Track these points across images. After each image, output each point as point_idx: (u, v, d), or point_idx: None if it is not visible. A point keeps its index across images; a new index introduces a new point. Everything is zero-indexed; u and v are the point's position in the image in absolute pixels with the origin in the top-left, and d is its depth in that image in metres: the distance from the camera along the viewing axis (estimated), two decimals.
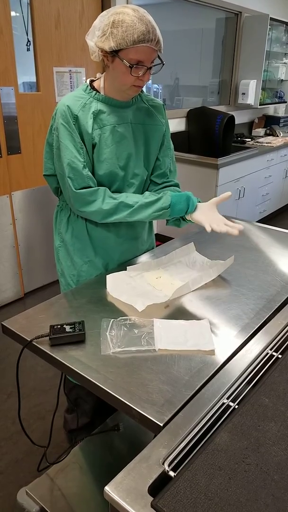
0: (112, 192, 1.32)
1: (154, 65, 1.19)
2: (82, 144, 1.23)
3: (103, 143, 1.25)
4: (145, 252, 1.52)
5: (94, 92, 1.25)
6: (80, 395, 1.54)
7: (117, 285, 1.27)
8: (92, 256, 1.38)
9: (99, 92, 1.25)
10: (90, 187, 1.25)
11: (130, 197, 1.28)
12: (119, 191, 1.33)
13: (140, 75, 1.16)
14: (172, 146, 1.44)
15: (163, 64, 1.19)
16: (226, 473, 0.65)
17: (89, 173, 1.25)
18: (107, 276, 1.30)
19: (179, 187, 1.45)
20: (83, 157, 1.23)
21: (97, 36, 1.13)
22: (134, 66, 1.13)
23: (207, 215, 1.31)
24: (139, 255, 1.49)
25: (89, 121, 1.22)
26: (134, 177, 1.34)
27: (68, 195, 1.27)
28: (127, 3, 2.83)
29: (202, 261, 1.42)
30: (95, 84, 1.27)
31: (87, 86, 1.26)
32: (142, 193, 1.39)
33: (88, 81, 1.28)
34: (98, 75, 1.28)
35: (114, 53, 1.12)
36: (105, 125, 1.24)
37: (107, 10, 1.14)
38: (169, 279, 1.30)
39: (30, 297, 2.88)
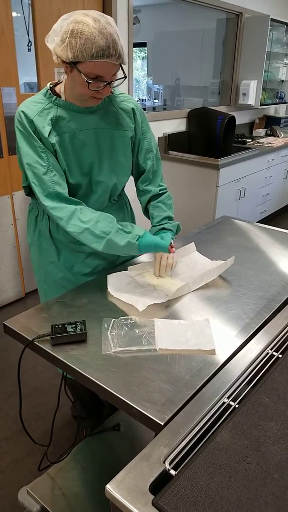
0: (77, 198, 1.26)
1: (116, 79, 1.13)
2: (44, 148, 1.17)
3: (63, 151, 1.20)
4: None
5: (55, 97, 1.18)
6: (76, 386, 1.57)
7: (118, 285, 1.27)
8: (55, 257, 1.35)
9: (60, 97, 1.19)
10: (56, 192, 1.18)
11: (100, 224, 1.19)
12: (83, 197, 1.29)
13: (98, 89, 1.11)
14: (154, 147, 1.38)
15: (125, 77, 1.13)
16: (226, 472, 0.66)
17: (55, 178, 1.18)
18: (108, 276, 1.31)
19: (165, 190, 1.42)
20: (46, 161, 1.17)
21: (56, 42, 1.06)
22: (93, 80, 1.08)
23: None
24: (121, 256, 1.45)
25: (46, 126, 1.16)
26: (98, 184, 1.29)
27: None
28: (127, 4, 2.83)
29: (203, 261, 1.43)
30: (57, 88, 1.21)
31: (47, 91, 1.19)
32: (109, 199, 1.36)
33: (48, 85, 1.22)
34: (62, 77, 1.22)
35: (72, 64, 1.07)
36: (65, 132, 1.19)
37: (68, 14, 1.07)
38: (169, 279, 1.31)
39: (31, 297, 2.88)
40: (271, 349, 0.97)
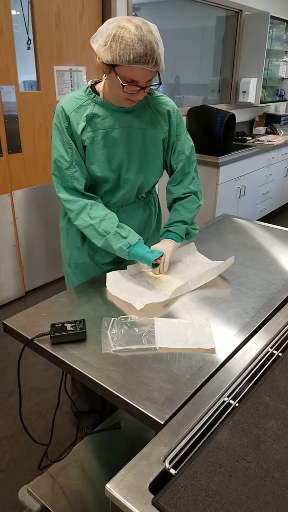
0: (104, 192, 1.34)
1: (150, 85, 1.18)
2: (72, 144, 1.23)
3: (95, 146, 1.25)
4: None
5: (94, 94, 1.25)
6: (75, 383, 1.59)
7: (117, 283, 1.27)
8: (80, 243, 1.41)
9: (99, 95, 1.25)
10: (74, 187, 1.26)
11: (104, 223, 1.25)
12: (111, 191, 1.35)
13: (133, 93, 1.15)
14: (187, 150, 1.39)
15: (160, 84, 1.18)
16: (226, 471, 0.66)
17: (76, 174, 1.26)
18: (107, 273, 1.31)
19: (190, 194, 1.42)
20: (71, 156, 1.24)
21: (99, 44, 1.12)
22: (128, 84, 1.13)
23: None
24: None
25: (81, 123, 1.23)
26: (125, 181, 1.33)
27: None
28: (127, 2, 2.82)
29: (203, 260, 1.42)
30: (97, 86, 1.27)
31: (88, 88, 1.26)
32: (136, 195, 1.40)
33: (90, 82, 1.28)
34: (103, 76, 1.27)
35: (110, 66, 1.12)
36: (99, 128, 1.25)
37: (114, 18, 1.12)
38: (169, 278, 1.30)
39: (31, 296, 2.88)
40: (271, 348, 0.97)
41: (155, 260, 1.23)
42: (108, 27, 1.10)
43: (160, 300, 1.18)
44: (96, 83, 1.29)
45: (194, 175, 1.44)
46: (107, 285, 1.27)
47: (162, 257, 1.28)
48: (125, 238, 1.24)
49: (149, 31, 1.09)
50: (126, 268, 1.33)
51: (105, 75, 1.21)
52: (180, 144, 1.38)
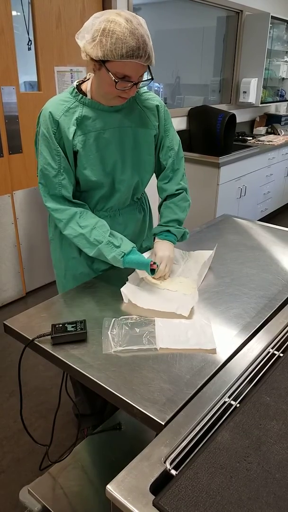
0: (99, 198, 1.30)
1: (142, 81, 1.13)
2: (59, 151, 1.19)
3: (88, 150, 1.21)
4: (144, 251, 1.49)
5: (81, 95, 1.20)
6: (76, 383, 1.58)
7: (137, 295, 1.22)
8: (77, 253, 1.37)
9: (86, 96, 1.20)
10: (62, 195, 1.22)
11: (95, 231, 1.22)
12: (106, 196, 1.32)
13: (125, 89, 1.11)
14: (175, 145, 1.38)
15: (152, 79, 1.15)
16: (227, 472, 0.66)
17: (63, 181, 1.21)
18: (121, 289, 1.22)
19: (182, 191, 1.42)
20: (58, 164, 1.20)
21: (86, 39, 1.06)
22: (120, 80, 1.08)
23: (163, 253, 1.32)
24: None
25: (71, 127, 1.18)
26: (121, 182, 1.30)
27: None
28: (127, 2, 2.82)
29: (190, 254, 1.43)
30: (83, 86, 1.22)
31: (74, 89, 1.21)
32: (131, 197, 1.38)
33: (75, 83, 1.23)
34: (88, 75, 1.24)
35: (100, 62, 1.07)
36: (90, 131, 1.20)
37: (101, 12, 1.07)
38: (176, 278, 1.31)
39: (32, 296, 2.88)
40: (272, 348, 0.97)
41: (151, 266, 1.23)
42: (94, 22, 1.05)
43: (194, 301, 1.17)
44: (81, 83, 1.23)
45: (183, 171, 1.43)
46: (131, 300, 1.19)
47: (165, 266, 1.28)
48: (118, 247, 1.22)
49: (139, 24, 1.05)
50: (123, 272, 1.31)
51: (92, 73, 1.16)
52: (169, 140, 1.36)
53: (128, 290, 1.21)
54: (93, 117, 1.20)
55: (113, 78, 1.08)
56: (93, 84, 1.19)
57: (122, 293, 1.20)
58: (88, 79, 1.23)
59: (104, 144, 1.23)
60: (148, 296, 1.22)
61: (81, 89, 1.22)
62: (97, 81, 1.15)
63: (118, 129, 1.24)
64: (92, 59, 1.08)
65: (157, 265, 1.25)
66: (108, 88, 1.12)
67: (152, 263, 1.23)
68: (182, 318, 1.11)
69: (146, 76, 1.14)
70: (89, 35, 1.06)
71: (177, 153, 1.40)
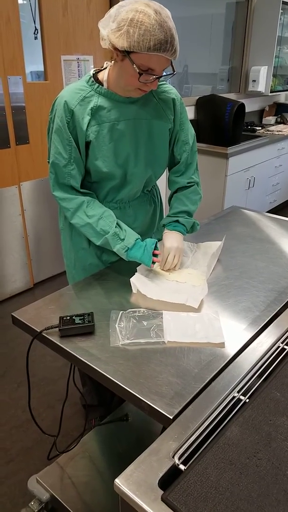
0: (109, 189, 1.29)
1: (165, 75, 1.11)
2: (71, 140, 1.18)
3: (101, 141, 1.19)
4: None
5: (97, 85, 1.18)
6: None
7: (146, 284, 1.21)
8: (86, 244, 1.37)
9: (102, 85, 1.18)
10: (70, 185, 1.23)
11: (102, 221, 1.22)
12: (117, 188, 1.30)
13: (147, 82, 1.09)
14: (190, 139, 1.36)
15: (174, 73, 1.13)
16: (237, 468, 0.65)
17: (73, 171, 1.21)
18: (131, 279, 1.22)
19: (193, 184, 1.40)
20: (69, 153, 1.19)
21: (111, 28, 1.03)
22: (144, 72, 1.06)
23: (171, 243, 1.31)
24: None
25: (85, 117, 1.16)
26: (133, 175, 1.28)
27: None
28: None
29: (189, 246, 1.43)
30: (100, 75, 1.20)
31: (90, 78, 1.19)
32: (142, 190, 1.37)
33: (92, 72, 1.21)
34: (105, 64, 1.21)
35: (125, 53, 1.04)
36: (104, 122, 1.18)
37: (127, 1, 1.03)
38: (185, 270, 1.30)
39: (39, 288, 2.89)
40: (282, 343, 0.96)
41: (153, 261, 1.23)
42: (120, 11, 1.02)
43: (205, 292, 1.17)
44: (98, 71, 1.21)
45: (195, 165, 1.41)
46: (140, 290, 1.18)
47: (174, 257, 1.27)
48: (122, 240, 1.22)
49: (167, 16, 1.03)
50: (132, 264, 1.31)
51: (112, 63, 1.14)
52: (184, 134, 1.34)
53: (137, 280, 1.21)
54: (108, 108, 1.19)
55: (137, 70, 1.05)
56: (111, 74, 1.17)
57: (131, 283, 1.20)
58: (105, 68, 1.20)
59: (117, 135, 1.21)
60: (157, 287, 1.21)
61: (98, 78, 1.20)
62: (118, 71, 1.13)
63: (132, 121, 1.23)
64: (115, 48, 1.05)
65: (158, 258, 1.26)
66: (130, 79, 1.10)
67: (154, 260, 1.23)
68: (190, 310, 1.10)
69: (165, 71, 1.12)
70: (114, 24, 1.03)
71: (192, 147, 1.38)
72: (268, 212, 1.92)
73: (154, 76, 1.08)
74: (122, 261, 1.36)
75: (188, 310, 1.11)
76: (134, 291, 1.19)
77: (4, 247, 2.62)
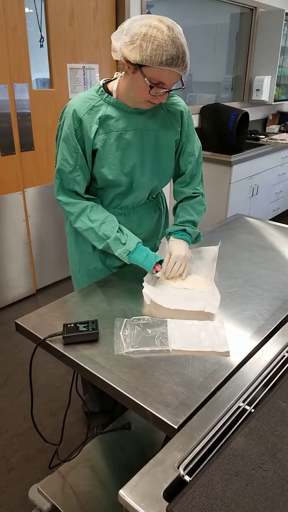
0: (114, 195, 1.30)
1: (174, 89, 1.14)
2: (78, 148, 1.20)
3: (107, 149, 1.21)
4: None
5: (106, 94, 1.20)
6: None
7: (161, 296, 1.20)
8: (91, 248, 1.38)
9: (112, 95, 1.20)
10: (74, 190, 1.25)
11: (104, 226, 1.24)
12: (123, 195, 1.31)
13: (157, 95, 1.11)
14: (196, 151, 1.38)
15: (184, 88, 1.15)
16: (243, 479, 0.64)
17: (78, 178, 1.23)
18: (143, 291, 1.21)
19: (198, 194, 1.41)
20: (75, 160, 1.21)
21: (124, 41, 1.06)
22: (155, 85, 1.08)
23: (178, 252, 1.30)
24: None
25: (93, 126, 1.18)
26: (139, 184, 1.30)
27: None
28: (141, 0, 2.80)
29: (196, 251, 1.44)
30: (109, 85, 1.22)
31: (100, 87, 1.21)
32: (147, 197, 1.38)
33: (101, 81, 1.23)
34: (115, 74, 1.23)
35: (137, 66, 1.07)
36: (112, 131, 1.20)
37: (141, 16, 1.07)
38: (192, 276, 1.30)
39: (42, 294, 2.89)
40: (287, 352, 0.95)
41: (154, 268, 1.24)
42: (133, 25, 1.05)
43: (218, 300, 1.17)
44: (108, 81, 1.24)
45: (201, 177, 1.43)
46: (155, 300, 1.17)
47: (180, 266, 1.27)
48: (124, 244, 1.23)
49: (180, 33, 1.05)
50: (137, 270, 1.31)
51: (122, 75, 1.17)
52: (190, 146, 1.36)
53: (149, 291, 1.20)
54: (116, 117, 1.21)
55: (148, 83, 1.08)
56: (120, 84, 1.19)
57: (144, 294, 1.20)
58: (115, 78, 1.22)
59: (124, 145, 1.23)
60: (170, 296, 1.21)
61: (107, 88, 1.22)
62: (129, 83, 1.15)
63: (140, 131, 1.24)
64: (127, 61, 1.08)
65: (161, 266, 1.26)
66: (140, 92, 1.12)
67: (156, 264, 1.24)
68: (204, 317, 1.10)
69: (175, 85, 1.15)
70: (127, 37, 1.05)
71: (197, 159, 1.39)
72: (271, 219, 1.92)
73: (164, 90, 1.10)
74: (126, 267, 1.36)
75: (194, 317, 1.10)
76: (147, 301, 1.18)
77: (8, 253, 2.62)
